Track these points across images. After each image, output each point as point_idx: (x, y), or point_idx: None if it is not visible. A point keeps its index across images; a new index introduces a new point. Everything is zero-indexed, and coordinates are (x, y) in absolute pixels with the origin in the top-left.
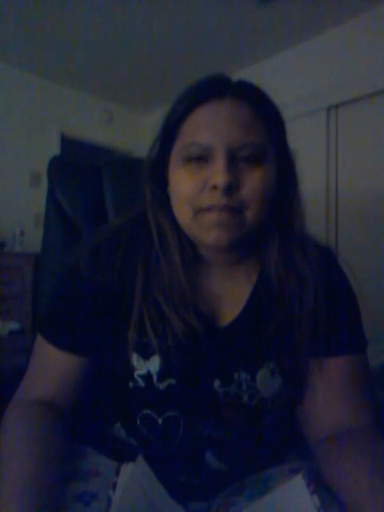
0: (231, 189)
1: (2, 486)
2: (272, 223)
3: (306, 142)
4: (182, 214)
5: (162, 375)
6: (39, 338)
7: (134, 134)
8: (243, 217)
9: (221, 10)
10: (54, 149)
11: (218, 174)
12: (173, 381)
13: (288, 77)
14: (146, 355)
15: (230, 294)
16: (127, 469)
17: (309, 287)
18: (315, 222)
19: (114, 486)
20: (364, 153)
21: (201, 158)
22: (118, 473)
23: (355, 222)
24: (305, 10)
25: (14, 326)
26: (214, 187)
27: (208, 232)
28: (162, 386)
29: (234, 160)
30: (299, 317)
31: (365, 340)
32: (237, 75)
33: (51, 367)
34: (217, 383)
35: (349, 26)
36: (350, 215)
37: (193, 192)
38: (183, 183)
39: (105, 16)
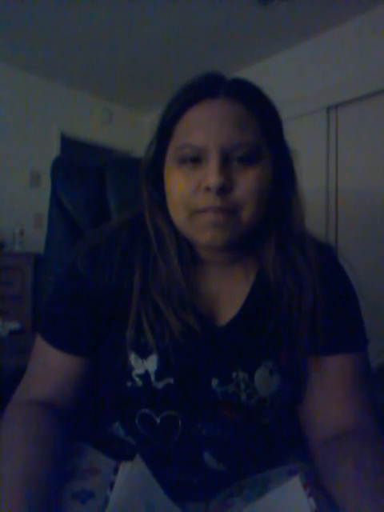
0: (224, 190)
1: None
2: (269, 222)
3: (305, 142)
4: (177, 215)
5: (159, 374)
6: (38, 338)
7: (134, 134)
8: (238, 217)
9: (221, 10)
10: (54, 149)
11: (210, 175)
12: (171, 380)
13: (288, 77)
14: (143, 355)
15: (228, 293)
16: (125, 468)
17: (307, 286)
18: (315, 221)
19: (112, 485)
20: (364, 153)
21: (195, 160)
22: (115, 472)
23: (355, 221)
24: (305, 10)
25: (13, 326)
26: (208, 189)
27: (203, 232)
28: (159, 385)
29: (227, 160)
30: (298, 315)
31: (365, 338)
32: (237, 75)
33: (50, 367)
34: (215, 382)
35: (349, 25)
36: (350, 215)
37: (187, 193)
38: (177, 185)
39: (105, 16)
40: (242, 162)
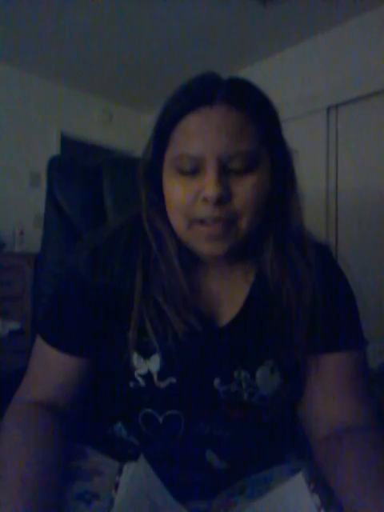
0: (222, 201)
1: (1, 488)
2: (268, 222)
3: (306, 142)
4: (177, 223)
5: (162, 374)
6: (38, 340)
7: (134, 134)
8: (237, 227)
9: (221, 9)
10: (54, 149)
11: (208, 186)
12: (173, 380)
13: (288, 77)
14: (146, 355)
15: (228, 294)
16: (129, 468)
17: (306, 286)
18: (315, 222)
19: (116, 485)
20: (364, 153)
21: (192, 171)
22: (120, 472)
23: (355, 222)
24: (305, 10)
25: (13, 326)
26: (206, 199)
27: (202, 243)
28: (162, 385)
29: (225, 169)
30: (297, 315)
31: (362, 337)
32: (237, 75)
33: (51, 369)
34: (217, 381)
35: (349, 26)
36: (350, 215)
37: (186, 203)
38: (176, 194)
39: (105, 16)
40: (240, 172)
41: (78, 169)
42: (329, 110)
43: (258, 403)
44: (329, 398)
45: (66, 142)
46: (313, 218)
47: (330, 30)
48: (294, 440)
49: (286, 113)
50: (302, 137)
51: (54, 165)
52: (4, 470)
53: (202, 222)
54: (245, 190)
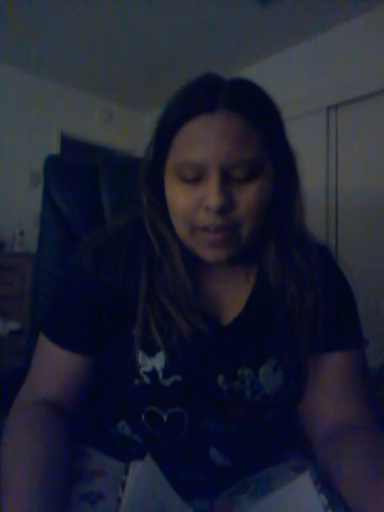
0: (225, 210)
1: (7, 488)
2: (270, 224)
3: (305, 142)
4: (180, 230)
5: (167, 372)
6: (41, 338)
7: (134, 134)
8: (238, 234)
9: (221, 10)
10: (54, 149)
11: (211, 195)
12: (178, 377)
13: (288, 77)
14: (151, 352)
15: (231, 294)
16: (136, 467)
17: (308, 287)
18: (315, 222)
19: (123, 485)
20: (364, 153)
21: (195, 179)
22: (126, 471)
23: (355, 222)
24: (305, 10)
25: (14, 326)
26: (208, 208)
27: (205, 250)
28: (167, 382)
29: (227, 177)
30: (299, 315)
31: (362, 337)
32: (237, 75)
33: (55, 367)
34: (221, 379)
35: (349, 25)
36: (350, 215)
37: (189, 210)
38: (179, 202)
39: (105, 15)
40: (243, 179)
41: (74, 168)
42: (329, 110)
43: (260, 401)
44: (329, 397)
45: (66, 141)
46: (313, 218)
47: (329, 30)
48: (295, 439)
49: (286, 113)
50: (302, 137)
51: (51, 164)
52: (10, 470)
53: (204, 228)
54: (247, 198)
